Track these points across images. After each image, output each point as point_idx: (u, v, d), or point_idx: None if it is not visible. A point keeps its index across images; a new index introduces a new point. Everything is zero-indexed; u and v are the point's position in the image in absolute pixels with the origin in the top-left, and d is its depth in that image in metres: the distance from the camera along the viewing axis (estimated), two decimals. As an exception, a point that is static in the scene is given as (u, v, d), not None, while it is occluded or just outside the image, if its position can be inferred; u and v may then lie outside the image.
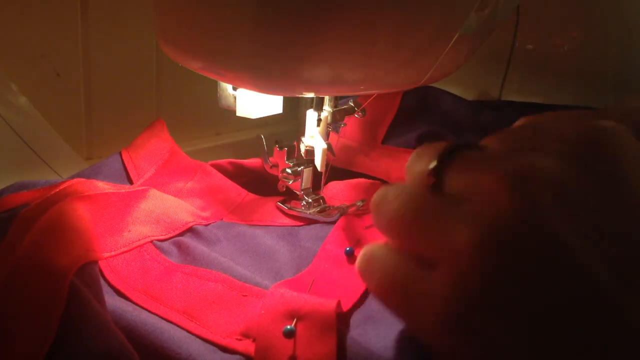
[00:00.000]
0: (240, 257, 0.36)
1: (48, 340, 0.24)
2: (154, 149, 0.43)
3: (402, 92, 0.58)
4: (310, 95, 0.39)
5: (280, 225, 0.42)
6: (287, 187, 0.45)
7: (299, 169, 0.43)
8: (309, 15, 0.29)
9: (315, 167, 0.42)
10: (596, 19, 0.56)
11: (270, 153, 0.44)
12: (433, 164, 0.22)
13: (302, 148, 0.42)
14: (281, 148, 0.43)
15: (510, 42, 0.60)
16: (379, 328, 0.28)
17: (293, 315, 0.27)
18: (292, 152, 0.44)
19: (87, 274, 0.29)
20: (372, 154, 0.54)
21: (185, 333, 0.28)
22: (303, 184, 0.44)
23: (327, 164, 0.41)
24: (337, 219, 0.41)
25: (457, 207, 0.20)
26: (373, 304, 0.30)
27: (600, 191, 0.19)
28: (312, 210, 0.42)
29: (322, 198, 0.44)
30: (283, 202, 0.44)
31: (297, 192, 0.44)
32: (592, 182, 0.19)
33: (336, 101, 0.43)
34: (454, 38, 0.32)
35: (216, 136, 0.62)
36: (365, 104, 0.44)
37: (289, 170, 0.43)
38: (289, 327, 0.27)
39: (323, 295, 0.31)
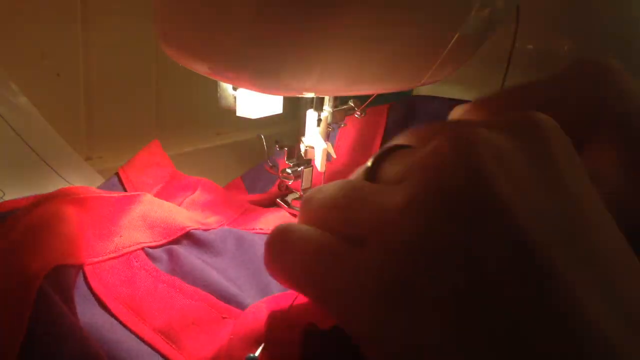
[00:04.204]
0: (233, 268, 0.35)
1: (17, 342, 0.24)
2: (154, 174, 0.43)
3: (387, 107, 0.57)
4: (310, 95, 0.39)
5: None
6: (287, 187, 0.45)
7: (299, 169, 0.43)
8: (309, 14, 0.29)
9: (315, 167, 0.42)
10: (596, 19, 0.56)
11: (270, 153, 0.44)
12: (369, 162, 0.22)
13: (302, 148, 0.42)
14: (281, 148, 0.43)
15: (510, 42, 0.60)
16: None
17: (259, 341, 0.26)
18: (292, 152, 0.44)
19: (60, 278, 0.28)
20: None
21: (159, 358, 0.28)
22: (303, 184, 0.44)
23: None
24: None
25: (394, 185, 0.19)
26: None
27: (535, 167, 0.19)
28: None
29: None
30: (282, 198, 0.44)
31: (298, 192, 0.44)
32: (527, 157, 0.19)
33: (336, 101, 0.43)
34: (454, 38, 0.32)
35: (216, 136, 0.62)
36: (365, 104, 0.44)
37: (289, 170, 0.43)
38: (251, 355, 0.25)
39: (306, 313, 0.30)
